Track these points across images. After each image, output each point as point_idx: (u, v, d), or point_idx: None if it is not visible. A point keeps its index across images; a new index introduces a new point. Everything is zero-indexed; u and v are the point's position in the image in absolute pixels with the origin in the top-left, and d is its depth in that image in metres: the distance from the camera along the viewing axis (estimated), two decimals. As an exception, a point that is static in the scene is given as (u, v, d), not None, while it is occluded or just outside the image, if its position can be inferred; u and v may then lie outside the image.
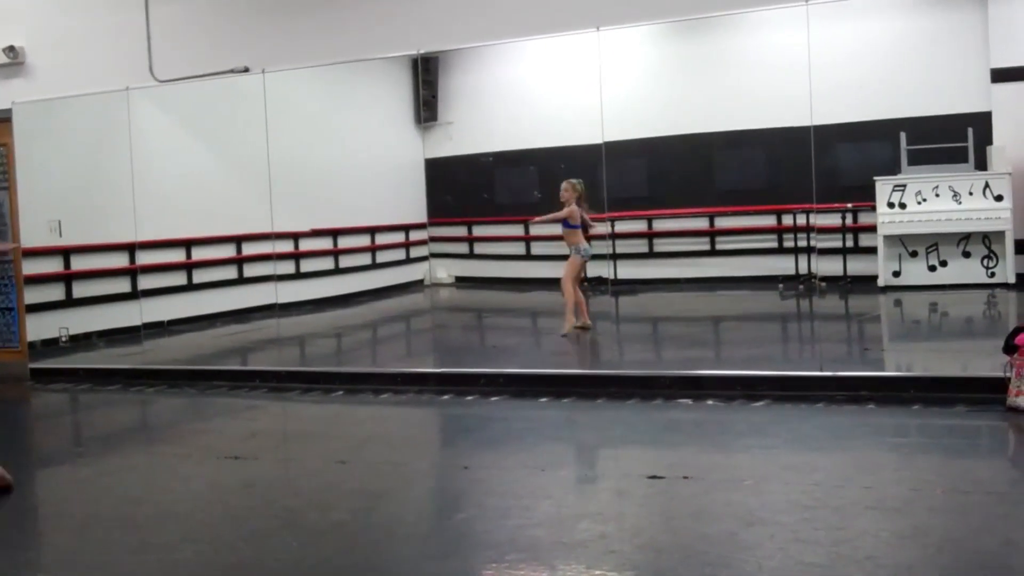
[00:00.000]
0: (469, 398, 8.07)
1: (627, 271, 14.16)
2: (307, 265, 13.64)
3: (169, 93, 11.38)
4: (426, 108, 15.28)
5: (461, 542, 4.78)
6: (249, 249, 13.13)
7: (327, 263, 14.14)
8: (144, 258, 11.97)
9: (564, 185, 10.42)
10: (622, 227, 14.19)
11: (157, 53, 10.76)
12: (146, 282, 11.90)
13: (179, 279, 12.50)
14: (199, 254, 12.67)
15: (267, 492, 5.78)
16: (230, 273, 13.03)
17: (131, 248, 11.51)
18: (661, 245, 13.83)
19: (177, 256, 12.47)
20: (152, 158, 11.91)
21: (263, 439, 7.31)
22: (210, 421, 8.20)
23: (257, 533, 5.04)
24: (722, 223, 13.60)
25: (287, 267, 13.10)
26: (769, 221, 13.56)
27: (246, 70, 10.40)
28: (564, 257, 10.50)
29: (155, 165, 11.92)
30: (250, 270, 13.04)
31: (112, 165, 11.37)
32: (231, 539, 4.97)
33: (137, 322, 11.27)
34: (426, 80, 15.46)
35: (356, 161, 14.62)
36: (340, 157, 14.32)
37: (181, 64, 10.57)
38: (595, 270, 14.27)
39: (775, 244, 13.59)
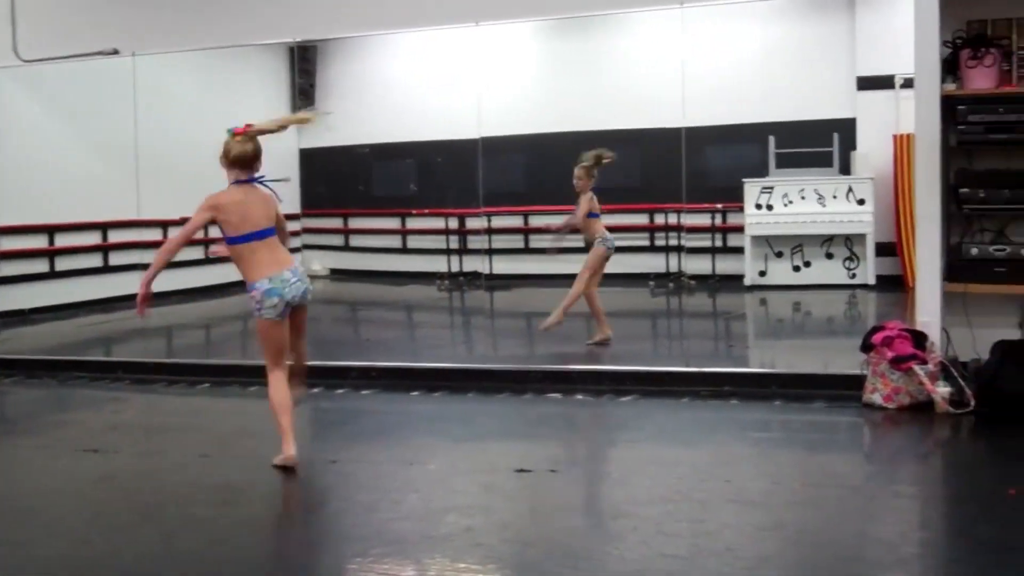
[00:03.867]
0: (340, 391, 7.98)
1: (502, 266, 14.23)
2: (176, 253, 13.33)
3: (35, 73, 11.02)
4: (303, 97, 15.10)
5: (327, 536, 4.73)
6: (115, 237, 12.79)
7: (197, 252, 13.85)
8: (4, 244, 11.57)
9: (578, 172, 8.79)
10: (498, 222, 14.26)
11: (22, 32, 10.40)
12: (6, 268, 11.51)
13: (41, 266, 12.11)
14: (63, 241, 12.29)
15: (127, 486, 5.63)
16: (95, 261, 12.67)
17: (-10, 233, 11.12)
18: (537, 241, 13.92)
19: (39, 242, 12.07)
20: (15, 141, 11.51)
21: (125, 432, 7.12)
22: (70, 413, 7.95)
23: (115, 527, 4.91)
24: (596, 220, 13.75)
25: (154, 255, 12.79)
26: (642, 220, 13.79)
27: (115, 52, 10.11)
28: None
29: (18, 148, 11.51)
30: (116, 258, 12.70)
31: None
32: (88, 533, 4.83)
33: (-5, 310, 10.91)
34: (304, 69, 15.27)
35: (229, 149, 14.34)
36: (212, 144, 13.96)
37: (48, 44, 10.23)
38: (471, 265, 14.31)
39: (647, 242, 13.84)
